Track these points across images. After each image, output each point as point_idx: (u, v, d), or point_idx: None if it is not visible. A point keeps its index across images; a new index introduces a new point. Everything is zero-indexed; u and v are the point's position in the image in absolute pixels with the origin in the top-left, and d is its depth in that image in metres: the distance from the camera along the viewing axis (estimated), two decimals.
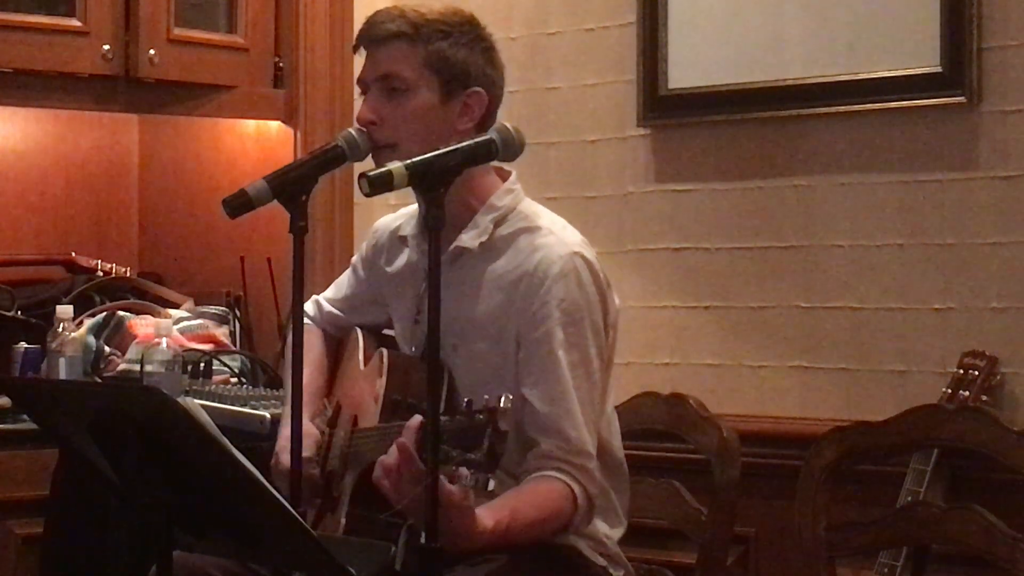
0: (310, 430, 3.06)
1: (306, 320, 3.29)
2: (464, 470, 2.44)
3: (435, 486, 2.41)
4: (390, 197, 2.78)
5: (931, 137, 3.83)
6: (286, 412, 3.06)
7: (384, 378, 2.92)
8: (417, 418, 2.67)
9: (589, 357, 2.93)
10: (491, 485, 2.46)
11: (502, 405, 2.44)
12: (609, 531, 3.03)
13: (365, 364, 3.10)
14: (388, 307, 3.18)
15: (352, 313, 3.27)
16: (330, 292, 3.33)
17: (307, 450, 2.97)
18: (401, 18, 2.97)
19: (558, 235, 2.97)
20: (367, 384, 3.02)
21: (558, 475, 2.86)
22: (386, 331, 3.21)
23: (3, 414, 3.87)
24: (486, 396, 2.49)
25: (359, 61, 3.07)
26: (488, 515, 2.73)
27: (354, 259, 3.31)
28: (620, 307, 3.05)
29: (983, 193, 3.76)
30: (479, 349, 2.93)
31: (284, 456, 3.02)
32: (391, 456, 2.66)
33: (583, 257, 2.93)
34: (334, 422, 3.09)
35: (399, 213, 3.21)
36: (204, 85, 4.52)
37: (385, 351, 3.00)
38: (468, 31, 3.00)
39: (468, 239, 2.97)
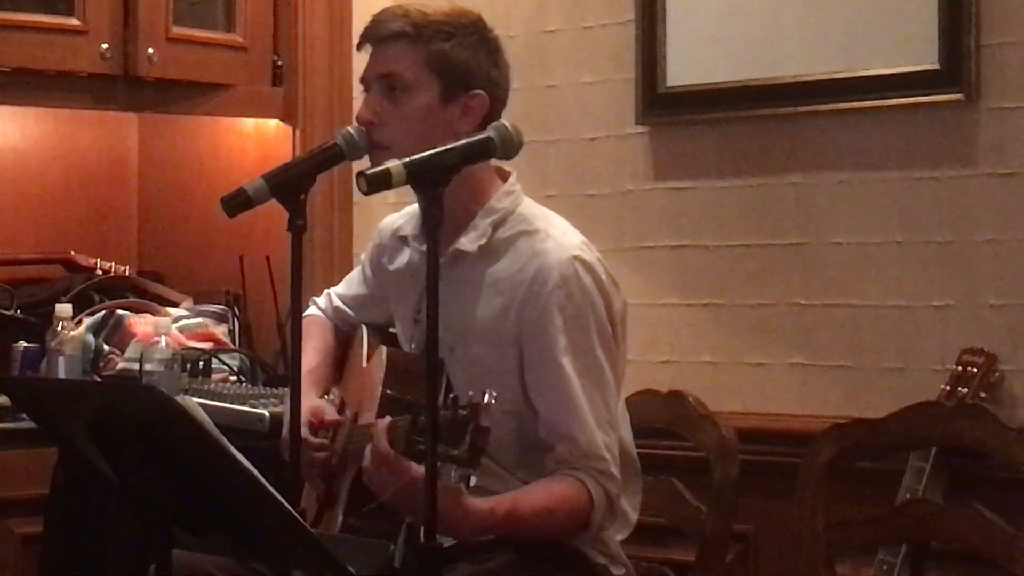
0: (321, 403, 3.06)
1: (317, 312, 3.32)
2: (448, 467, 2.45)
3: (434, 484, 2.41)
4: (389, 196, 2.78)
5: (929, 134, 3.83)
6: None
7: (382, 375, 2.92)
8: (387, 419, 2.69)
9: (597, 359, 2.92)
10: (473, 481, 2.47)
11: (485, 401, 2.45)
12: (612, 531, 3.03)
13: (367, 361, 3.11)
14: (391, 306, 3.18)
15: (360, 311, 3.28)
16: (341, 288, 3.34)
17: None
18: (404, 18, 2.96)
19: (557, 239, 2.96)
20: (367, 381, 3.02)
21: (573, 474, 2.87)
22: (392, 329, 3.21)
23: (3, 413, 3.87)
24: (471, 392, 2.49)
25: (359, 59, 3.07)
26: (485, 501, 2.74)
27: (363, 257, 3.32)
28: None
29: (981, 190, 3.76)
30: (476, 352, 2.93)
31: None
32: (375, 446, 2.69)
33: (582, 261, 2.92)
34: None
35: (402, 212, 3.21)
36: (203, 84, 4.52)
37: (385, 348, 3.00)
38: (472, 32, 2.98)
39: (467, 242, 2.97)
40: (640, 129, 4.29)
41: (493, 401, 2.45)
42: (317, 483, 3.06)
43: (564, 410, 2.88)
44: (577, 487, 2.86)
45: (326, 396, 3.18)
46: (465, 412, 2.45)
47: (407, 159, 2.54)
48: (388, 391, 2.89)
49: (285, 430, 3.05)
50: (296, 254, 2.67)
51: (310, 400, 3.02)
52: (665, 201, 4.25)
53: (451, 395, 2.52)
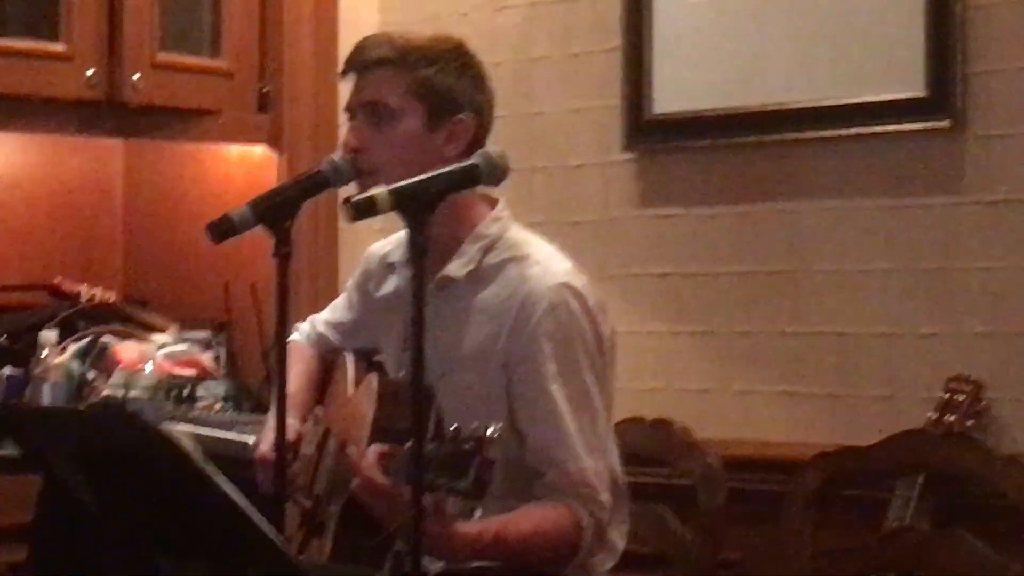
0: (295, 425, 3.05)
1: (300, 337, 3.30)
2: (449, 499, 2.43)
3: (419, 513, 2.40)
4: (375, 222, 2.77)
5: (916, 162, 3.84)
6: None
7: (373, 404, 2.91)
8: (379, 446, 2.68)
9: (586, 386, 2.91)
10: (477, 514, 2.45)
11: (489, 434, 2.43)
12: (598, 560, 3.01)
13: (355, 389, 3.09)
14: (378, 333, 3.17)
15: (345, 337, 3.27)
16: (326, 314, 3.33)
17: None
18: (387, 44, 2.96)
19: (545, 265, 2.95)
20: (356, 409, 3.00)
21: (562, 500, 2.85)
22: (377, 357, 3.20)
23: None
24: (475, 424, 2.48)
25: (345, 85, 3.07)
26: (473, 525, 2.72)
27: (348, 283, 3.31)
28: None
29: (968, 218, 3.76)
30: (466, 380, 2.92)
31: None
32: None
33: (571, 287, 2.91)
34: (322, 446, 3.08)
35: (390, 239, 3.20)
36: (189, 110, 4.51)
37: (375, 376, 2.99)
38: (455, 58, 2.98)
39: (455, 268, 2.96)
40: (626, 156, 4.29)
41: (497, 434, 2.44)
42: (299, 500, 3.03)
43: (553, 437, 2.87)
44: (566, 513, 2.85)
45: (312, 421, 3.17)
46: (469, 445, 2.43)
47: (392, 186, 2.53)
48: (380, 421, 2.88)
49: (256, 452, 3.05)
50: (281, 281, 2.66)
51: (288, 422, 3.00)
52: (651, 228, 4.24)
53: (453, 426, 2.50)
